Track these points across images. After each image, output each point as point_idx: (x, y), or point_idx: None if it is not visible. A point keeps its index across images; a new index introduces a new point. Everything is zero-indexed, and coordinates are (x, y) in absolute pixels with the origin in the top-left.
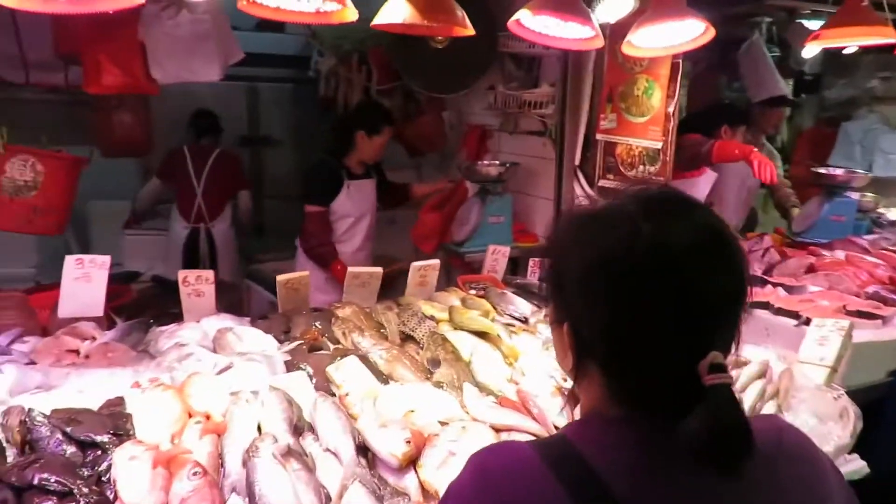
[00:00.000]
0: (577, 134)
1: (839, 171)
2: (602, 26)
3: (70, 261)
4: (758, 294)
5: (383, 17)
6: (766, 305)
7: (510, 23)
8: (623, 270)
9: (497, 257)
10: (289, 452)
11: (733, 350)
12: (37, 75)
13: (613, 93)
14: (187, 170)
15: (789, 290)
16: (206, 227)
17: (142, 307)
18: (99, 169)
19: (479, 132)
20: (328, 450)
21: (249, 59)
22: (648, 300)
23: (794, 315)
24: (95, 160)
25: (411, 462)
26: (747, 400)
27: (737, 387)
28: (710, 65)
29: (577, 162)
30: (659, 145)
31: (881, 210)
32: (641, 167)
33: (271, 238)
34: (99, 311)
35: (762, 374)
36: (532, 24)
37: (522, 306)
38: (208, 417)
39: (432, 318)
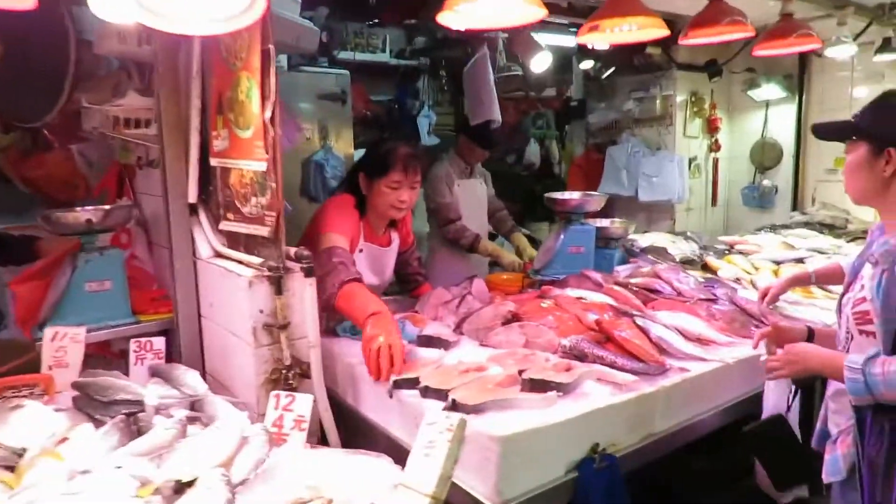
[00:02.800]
0: (187, 160)
1: (572, 196)
2: None
3: None
4: (419, 364)
5: None
6: (415, 382)
7: None
8: None
9: (64, 344)
10: None
11: None
12: None
13: (223, 100)
14: None
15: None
16: None
17: None
18: None
19: (118, 169)
20: None
21: None
22: None
23: (444, 396)
24: None
25: None
26: None
27: None
28: None
29: (192, 198)
30: (263, 167)
31: (633, 237)
32: (255, 199)
33: None
34: None
35: None
36: None
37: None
38: None
39: None
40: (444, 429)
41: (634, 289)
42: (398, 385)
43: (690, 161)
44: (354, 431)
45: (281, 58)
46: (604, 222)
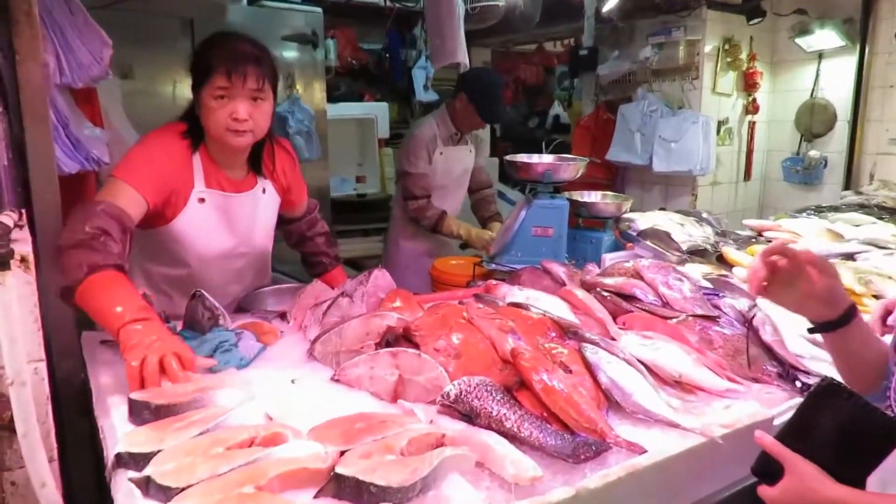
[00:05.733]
0: None
1: (540, 160)
2: None
3: None
4: (189, 421)
5: None
6: (146, 460)
7: None
8: None
9: None
10: None
11: None
12: None
13: None
14: None
15: None
16: None
17: None
18: None
19: None
20: None
21: None
22: None
23: (171, 497)
24: None
25: None
26: None
27: None
28: None
29: None
30: None
31: (631, 216)
32: None
33: None
34: None
35: None
36: None
37: None
38: None
39: None
40: None
41: (605, 293)
42: (121, 462)
43: (719, 124)
44: None
45: None
46: (592, 196)
